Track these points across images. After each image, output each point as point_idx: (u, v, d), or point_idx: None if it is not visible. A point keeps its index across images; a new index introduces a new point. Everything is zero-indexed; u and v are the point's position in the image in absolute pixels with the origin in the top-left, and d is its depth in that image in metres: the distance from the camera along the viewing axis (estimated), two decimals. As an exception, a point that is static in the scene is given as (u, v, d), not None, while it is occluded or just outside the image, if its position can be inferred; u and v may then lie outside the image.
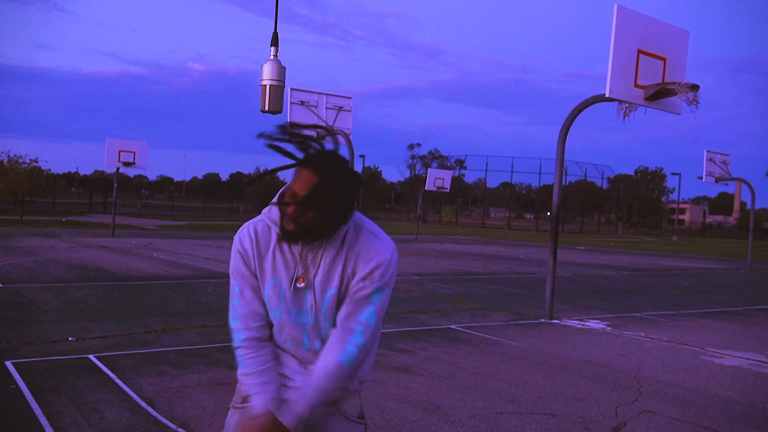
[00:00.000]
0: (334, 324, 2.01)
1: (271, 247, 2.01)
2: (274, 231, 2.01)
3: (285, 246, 2.00)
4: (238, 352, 2.05)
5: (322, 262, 1.97)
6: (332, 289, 1.97)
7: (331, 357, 1.97)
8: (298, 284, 1.99)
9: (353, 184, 1.90)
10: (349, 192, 1.89)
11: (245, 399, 2.07)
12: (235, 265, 2.05)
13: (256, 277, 2.03)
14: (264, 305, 2.04)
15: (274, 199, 2.01)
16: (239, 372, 2.06)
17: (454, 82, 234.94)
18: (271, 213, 2.03)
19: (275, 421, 1.96)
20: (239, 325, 2.04)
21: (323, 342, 2.03)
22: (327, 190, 1.84)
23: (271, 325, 2.07)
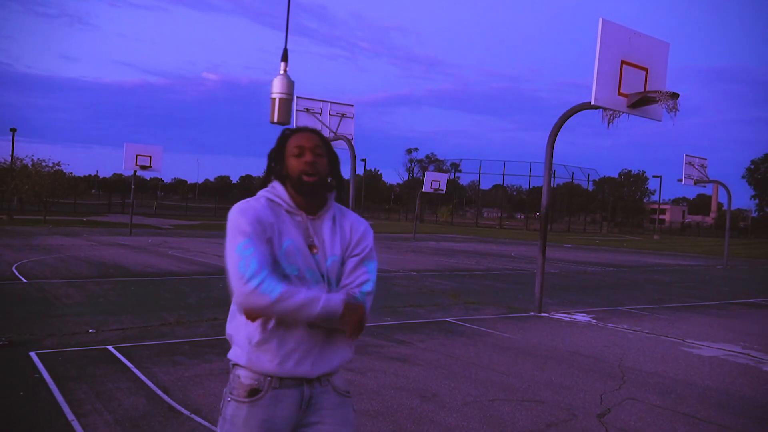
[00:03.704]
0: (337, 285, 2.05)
1: (282, 216, 2.03)
2: (281, 203, 2.05)
3: (292, 217, 2.04)
4: (265, 285, 1.86)
5: (323, 231, 2.06)
6: (335, 255, 2.05)
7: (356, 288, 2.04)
8: (311, 249, 2.03)
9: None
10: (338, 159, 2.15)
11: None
12: (243, 227, 1.94)
13: (270, 241, 1.96)
14: (276, 262, 1.96)
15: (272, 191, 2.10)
16: (274, 297, 1.86)
17: (451, 91, 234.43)
18: (275, 189, 2.07)
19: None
20: (260, 267, 1.89)
21: None
22: (327, 144, 2.12)
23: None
